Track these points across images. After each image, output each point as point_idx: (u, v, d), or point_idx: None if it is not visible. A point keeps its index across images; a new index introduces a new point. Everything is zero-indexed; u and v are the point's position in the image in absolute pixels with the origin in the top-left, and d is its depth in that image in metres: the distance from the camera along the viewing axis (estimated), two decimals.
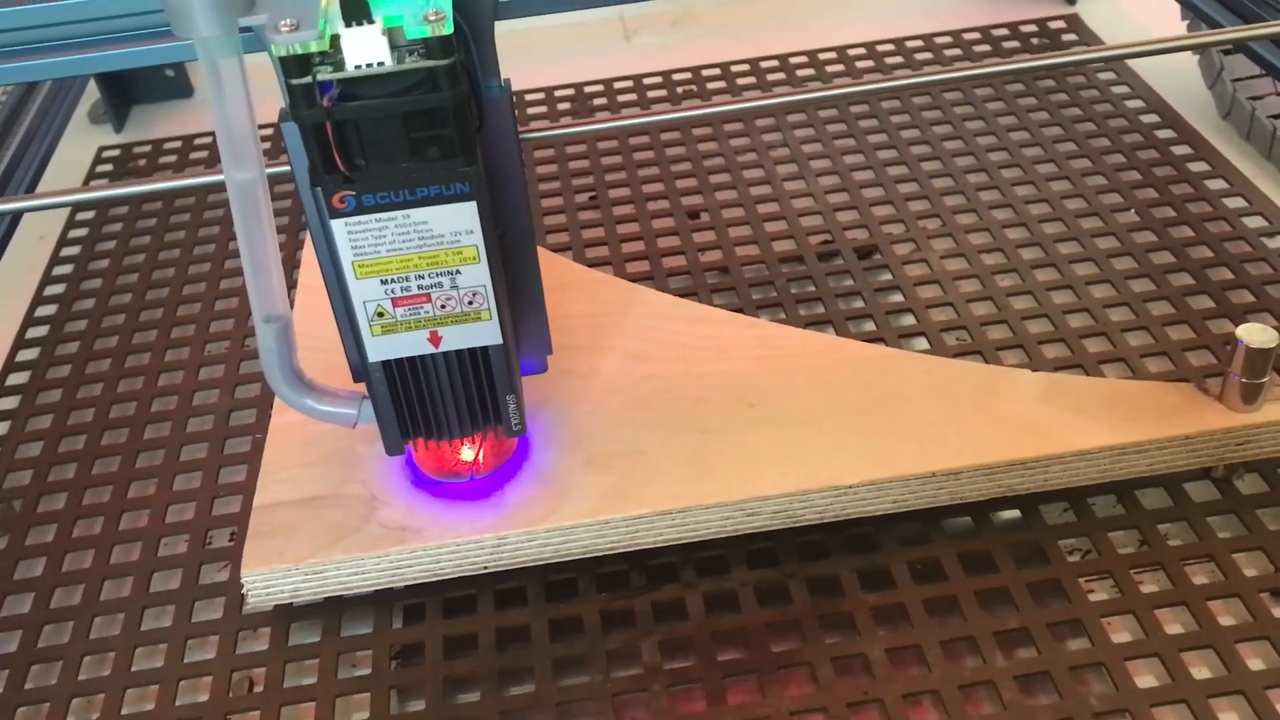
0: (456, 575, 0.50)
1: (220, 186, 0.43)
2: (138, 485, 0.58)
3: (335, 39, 0.37)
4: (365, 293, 0.43)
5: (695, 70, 0.88)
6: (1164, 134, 0.77)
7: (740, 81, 0.87)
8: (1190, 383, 0.53)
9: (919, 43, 0.89)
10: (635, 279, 0.66)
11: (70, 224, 0.78)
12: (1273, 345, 0.50)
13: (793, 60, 0.89)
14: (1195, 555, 0.51)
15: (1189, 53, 0.83)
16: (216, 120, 0.40)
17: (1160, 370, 0.59)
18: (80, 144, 0.86)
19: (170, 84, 0.91)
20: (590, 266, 0.67)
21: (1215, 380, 0.53)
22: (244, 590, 0.50)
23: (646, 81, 0.88)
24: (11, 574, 0.54)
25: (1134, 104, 0.80)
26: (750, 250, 0.70)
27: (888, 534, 0.52)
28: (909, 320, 0.64)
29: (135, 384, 0.64)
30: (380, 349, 0.44)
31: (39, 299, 0.72)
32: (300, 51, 0.37)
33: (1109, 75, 0.83)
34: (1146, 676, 0.47)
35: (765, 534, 0.51)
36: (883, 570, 0.51)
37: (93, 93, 0.90)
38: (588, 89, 0.87)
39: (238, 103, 0.39)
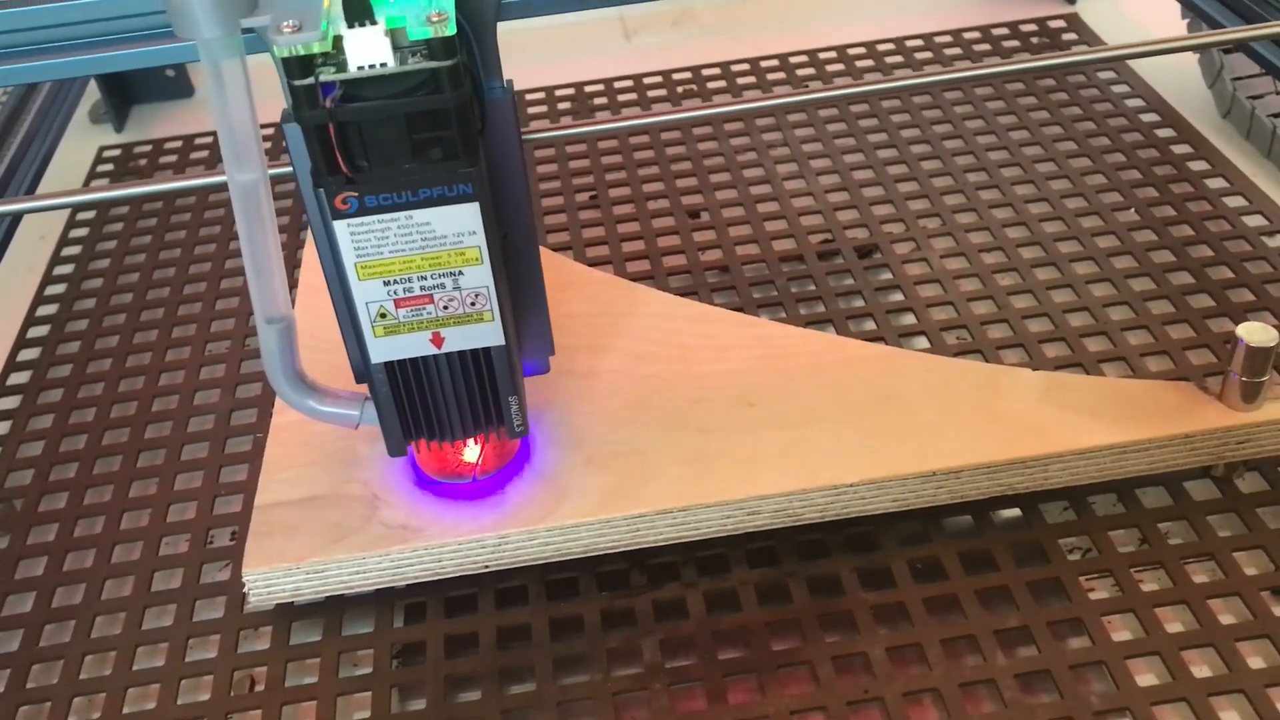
0: (457, 574, 0.50)
1: (221, 187, 0.43)
2: (139, 484, 0.58)
3: (338, 40, 0.37)
4: (368, 294, 0.43)
5: (695, 70, 0.88)
6: (1164, 133, 0.77)
7: (740, 81, 0.87)
8: (1190, 381, 0.54)
9: (919, 42, 0.89)
10: (635, 278, 0.66)
11: (71, 224, 0.78)
12: (1273, 344, 0.50)
13: (793, 60, 0.89)
14: (1195, 554, 0.51)
15: (1189, 52, 0.83)
16: (218, 121, 0.40)
17: (1160, 369, 0.60)
18: (81, 144, 0.86)
19: (171, 84, 0.91)
20: (591, 266, 0.67)
21: (1215, 379, 0.53)
22: (245, 589, 0.50)
23: (647, 81, 0.88)
24: (13, 573, 0.55)
25: (1134, 103, 0.80)
26: (750, 250, 0.70)
27: (888, 533, 0.52)
28: (909, 319, 0.64)
29: (136, 383, 0.64)
30: (383, 350, 0.44)
31: (40, 299, 0.72)
32: (303, 52, 0.37)
33: (1109, 74, 0.83)
34: (1147, 675, 0.47)
35: (765, 533, 0.51)
36: (883, 569, 0.51)
37: (93, 93, 0.90)
38: (588, 89, 0.88)
39: (240, 104, 0.39)
